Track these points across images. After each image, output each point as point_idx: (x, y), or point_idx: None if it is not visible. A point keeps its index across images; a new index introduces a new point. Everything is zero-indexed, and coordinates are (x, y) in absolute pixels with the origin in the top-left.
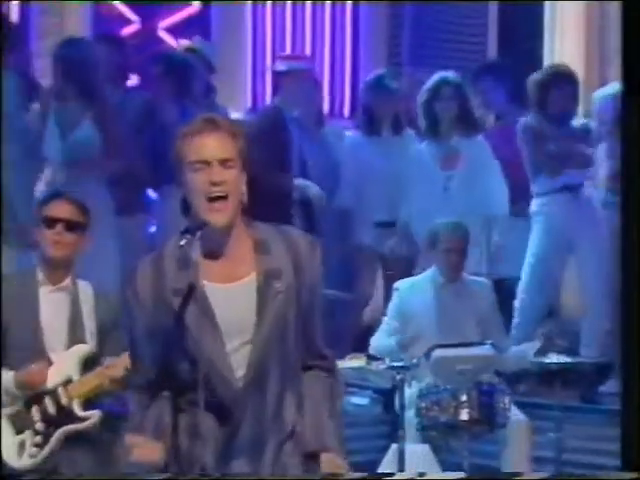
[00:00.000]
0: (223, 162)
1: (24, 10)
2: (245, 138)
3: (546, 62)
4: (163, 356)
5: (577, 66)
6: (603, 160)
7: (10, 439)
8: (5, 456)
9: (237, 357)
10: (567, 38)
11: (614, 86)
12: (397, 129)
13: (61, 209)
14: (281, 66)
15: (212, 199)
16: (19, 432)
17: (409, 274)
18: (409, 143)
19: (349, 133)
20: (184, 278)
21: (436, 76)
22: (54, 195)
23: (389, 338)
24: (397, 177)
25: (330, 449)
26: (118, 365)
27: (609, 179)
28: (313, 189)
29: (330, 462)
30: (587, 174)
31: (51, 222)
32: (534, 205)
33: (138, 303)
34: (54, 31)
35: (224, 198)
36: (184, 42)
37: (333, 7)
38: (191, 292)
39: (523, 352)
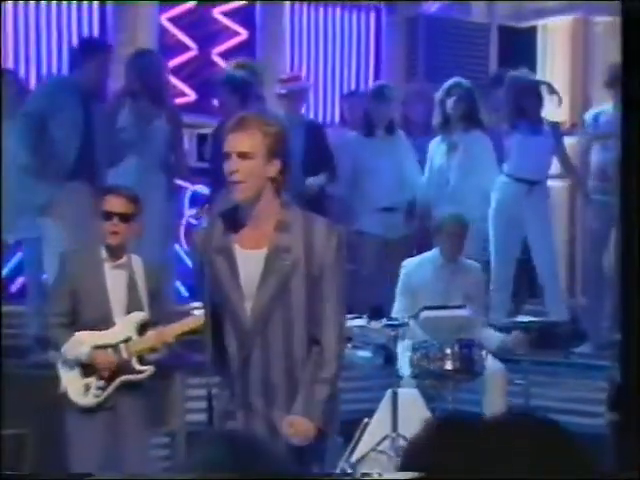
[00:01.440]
0: (241, 155)
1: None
2: (279, 135)
3: (539, 76)
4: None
5: (565, 81)
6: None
7: (78, 382)
8: (73, 395)
9: (249, 307)
10: (557, 57)
11: (606, 105)
12: (390, 131)
13: (115, 203)
14: (282, 89)
15: (231, 182)
16: (86, 376)
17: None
18: (400, 142)
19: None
20: (222, 241)
21: (451, 80)
22: (109, 190)
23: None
24: (391, 170)
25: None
26: (169, 333)
27: (598, 182)
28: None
29: (296, 424)
30: (544, 172)
31: (107, 215)
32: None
33: (194, 253)
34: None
35: (240, 182)
36: (237, 60)
37: (358, 34)
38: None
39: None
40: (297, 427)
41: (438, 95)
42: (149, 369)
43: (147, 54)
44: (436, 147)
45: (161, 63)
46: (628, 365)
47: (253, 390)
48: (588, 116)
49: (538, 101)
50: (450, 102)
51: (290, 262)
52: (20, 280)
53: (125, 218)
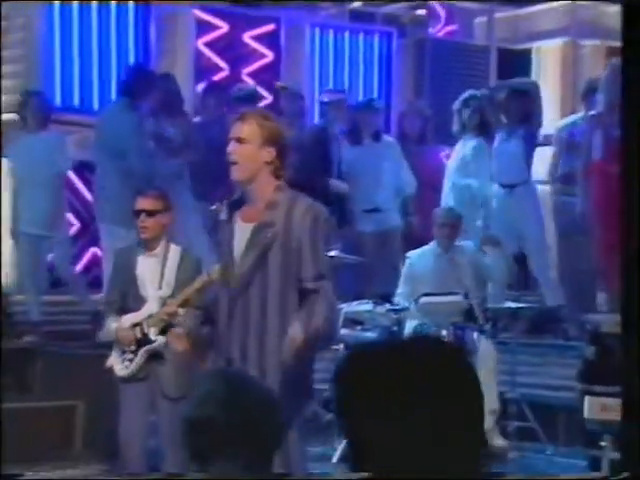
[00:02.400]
0: (238, 140)
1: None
2: (274, 128)
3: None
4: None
5: (556, 96)
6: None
7: (118, 357)
8: (115, 368)
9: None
10: (548, 75)
11: (574, 116)
12: (376, 138)
13: (142, 202)
14: (325, 97)
15: (230, 163)
16: (122, 352)
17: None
18: (387, 148)
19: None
20: (230, 215)
21: (467, 92)
22: (138, 192)
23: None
24: (372, 174)
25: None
26: (173, 303)
27: (564, 184)
28: (342, 185)
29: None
30: (522, 175)
31: (137, 213)
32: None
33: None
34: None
35: (235, 163)
36: (279, 83)
37: (371, 56)
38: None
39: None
40: (292, 340)
41: (456, 105)
42: (160, 339)
43: (163, 77)
44: (456, 149)
45: (176, 84)
46: (629, 367)
47: (234, 346)
48: (561, 125)
49: (521, 108)
50: (466, 112)
51: (270, 235)
52: (93, 272)
53: (151, 214)
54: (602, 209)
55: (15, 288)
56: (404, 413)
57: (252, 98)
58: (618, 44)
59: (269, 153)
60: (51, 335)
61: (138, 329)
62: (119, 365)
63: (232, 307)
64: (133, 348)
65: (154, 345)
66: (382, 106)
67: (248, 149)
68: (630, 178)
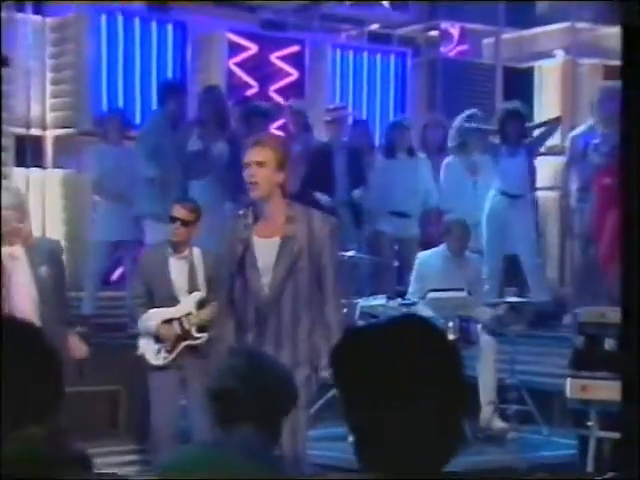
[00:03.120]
0: (257, 163)
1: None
2: (285, 153)
3: (536, 112)
4: (231, 274)
5: (556, 111)
6: (573, 179)
7: (151, 347)
8: (148, 357)
9: (265, 283)
10: (550, 91)
11: (581, 127)
12: (411, 153)
13: (178, 211)
14: (327, 116)
15: (249, 184)
16: (157, 343)
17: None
18: (419, 162)
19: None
20: (244, 232)
21: (468, 111)
22: (176, 200)
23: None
24: (407, 185)
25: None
26: (213, 308)
27: (578, 192)
28: (324, 198)
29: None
30: (525, 187)
31: (172, 219)
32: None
33: (225, 243)
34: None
35: (254, 183)
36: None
37: (387, 74)
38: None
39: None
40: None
41: (456, 123)
42: (204, 336)
43: (212, 89)
44: (452, 165)
45: (223, 96)
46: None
47: (267, 342)
48: (574, 134)
49: (517, 126)
50: (467, 130)
51: (297, 247)
52: (119, 270)
53: (184, 223)
54: (601, 218)
55: (72, 285)
56: (391, 393)
57: (264, 115)
58: (615, 63)
59: (282, 176)
60: (98, 327)
61: (177, 325)
62: (154, 355)
63: (265, 314)
64: (171, 341)
65: (197, 342)
66: (412, 124)
67: (266, 172)
68: (630, 190)
